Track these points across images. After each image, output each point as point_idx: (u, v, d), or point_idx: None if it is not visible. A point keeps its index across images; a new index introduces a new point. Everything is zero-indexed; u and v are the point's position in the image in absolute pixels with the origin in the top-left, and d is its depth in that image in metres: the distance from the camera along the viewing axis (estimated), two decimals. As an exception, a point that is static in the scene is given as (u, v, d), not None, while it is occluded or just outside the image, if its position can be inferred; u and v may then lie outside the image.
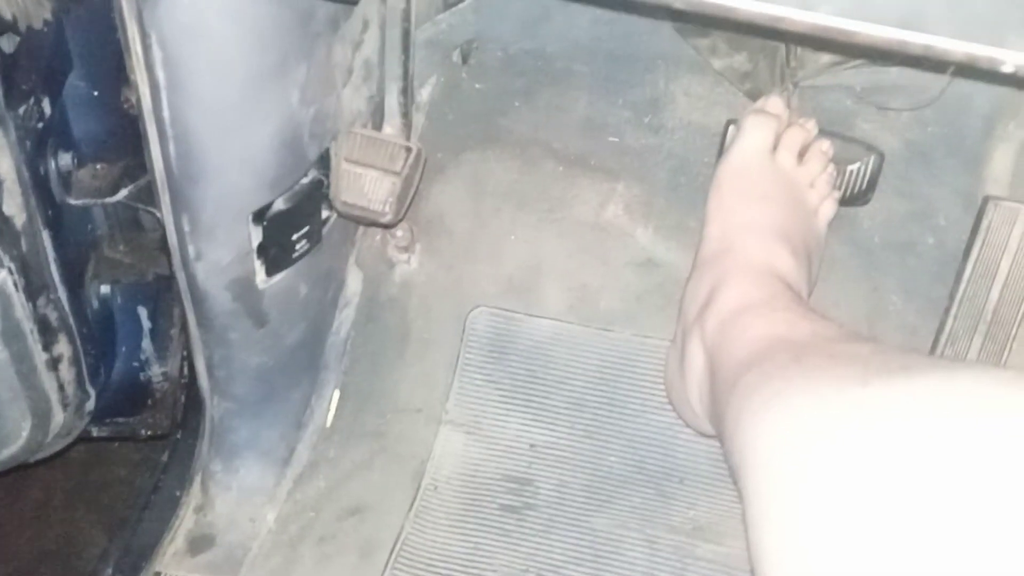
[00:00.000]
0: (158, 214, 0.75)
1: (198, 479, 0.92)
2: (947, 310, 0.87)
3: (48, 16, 0.72)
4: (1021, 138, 0.89)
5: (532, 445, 0.89)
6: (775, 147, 0.82)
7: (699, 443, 0.87)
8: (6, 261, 0.71)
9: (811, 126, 0.84)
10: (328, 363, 0.93)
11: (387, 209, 0.79)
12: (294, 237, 0.79)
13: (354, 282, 0.95)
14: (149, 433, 0.96)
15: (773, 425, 0.57)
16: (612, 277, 0.92)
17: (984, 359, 0.86)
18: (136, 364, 0.92)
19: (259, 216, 0.75)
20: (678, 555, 0.84)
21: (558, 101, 0.94)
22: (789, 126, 0.84)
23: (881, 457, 0.49)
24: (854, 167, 0.86)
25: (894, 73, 0.88)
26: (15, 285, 0.72)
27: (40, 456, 0.85)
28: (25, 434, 0.80)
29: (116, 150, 0.79)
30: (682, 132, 0.93)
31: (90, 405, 0.85)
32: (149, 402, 0.94)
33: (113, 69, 0.73)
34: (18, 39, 0.70)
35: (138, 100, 0.67)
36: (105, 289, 0.87)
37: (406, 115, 0.84)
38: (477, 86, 0.95)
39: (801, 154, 0.83)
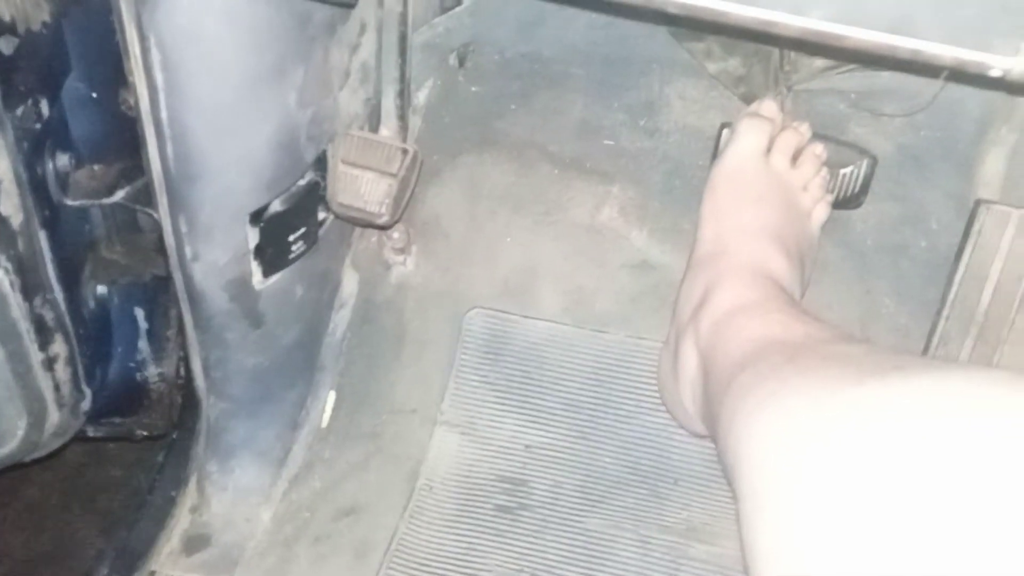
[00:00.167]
0: (155, 215, 0.75)
1: (194, 479, 0.92)
2: (939, 312, 0.88)
3: (47, 18, 0.72)
4: (1013, 142, 0.89)
5: (527, 446, 0.90)
6: (769, 150, 0.83)
7: (692, 444, 0.87)
8: (3, 261, 0.71)
9: (804, 130, 0.85)
10: (324, 364, 0.93)
11: (383, 210, 0.79)
12: (291, 238, 0.80)
13: (350, 283, 0.95)
14: (145, 434, 0.96)
15: (767, 425, 0.58)
16: (607, 279, 0.92)
17: (975, 361, 0.86)
18: (132, 365, 0.92)
19: (256, 217, 0.75)
20: (671, 555, 0.84)
21: (554, 104, 0.94)
22: (783, 130, 0.84)
23: (876, 457, 0.49)
24: (847, 171, 0.87)
25: (887, 78, 0.88)
26: (11, 285, 0.72)
27: (36, 456, 0.85)
28: (21, 433, 0.80)
29: (114, 151, 0.79)
30: (677, 135, 0.93)
31: (86, 405, 0.85)
32: (145, 403, 0.94)
33: (111, 71, 0.73)
34: (17, 41, 0.70)
35: (136, 102, 0.67)
36: (102, 289, 0.87)
37: (403, 117, 0.84)
38: (473, 89, 0.96)
39: (795, 157, 0.84)
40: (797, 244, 0.81)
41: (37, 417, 0.80)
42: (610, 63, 0.93)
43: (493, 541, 0.86)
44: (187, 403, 0.94)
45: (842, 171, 0.86)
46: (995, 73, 0.51)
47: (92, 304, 0.86)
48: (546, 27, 0.93)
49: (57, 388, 0.80)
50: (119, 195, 0.80)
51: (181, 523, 0.91)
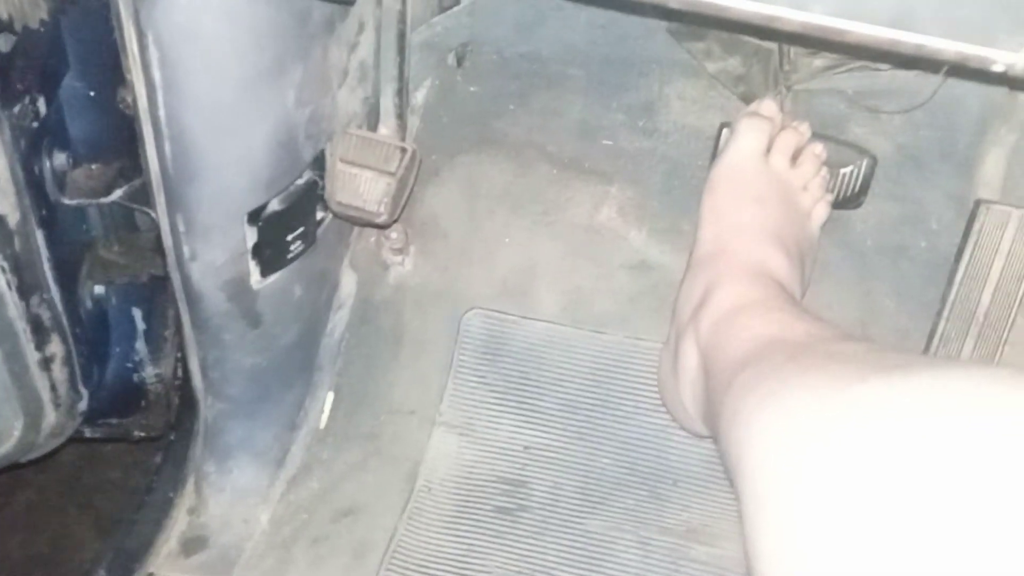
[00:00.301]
0: (153, 214, 0.75)
1: (191, 480, 0.92)
2: (939, 313, 0.88)
3: (44, 16, 0.72)
4: (1012, 142, 0.90)
5: (525, 447, 0.89)
6: (768, 150, 0.83)
7: (692, 445, 0.87)
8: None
9: (804, 129, 0.85)
10: (322, 364, 0.93)
11: (382, 209, 0.79)
12: (289, 238, 0.79)
13: (348, 284, 0.95)
14: (142, 434, 0.96)
15: (769, 425, 0.57)
16: (606, 279, 0.92)
17: (976, 361, 0.86)
18: (130, 365, 0.92)
19: (254, 217, 0.75)
20: (671, 557, 0.84)
21: (553, 104, 0.94)
22: (782, 129, 0.84)
23: (877, 456, 0.49)
24: (847, 170, 0.87)
25: (886, 77, 0.88)
26: (8, 284, 0.72)
27: (32, 456, 0.85)
28: (17, 433, 0.79)
29: (111, 150, 0.79)
30: (676, 135, 0.93)
31: (82, 405, 0.85)
32: (142, 403, 0.94)
33: (109, 69, 0.73)
34: (14, 39, 0.70)
35: (134, 100, 0.67)
36: (99, 289, 0.87)
37: (401, 116, 0.84)
38: (472, 89, 0.95)
39: (794, 157, 0.84)
40: (797, 244, 0.81)
41: (33, 418, 0.80)
42: (609, 63, 0.93)
43: (492, 542, 0.86)
44: (185, 404, 0.93)
45: (842, 171, 0.86)
46: (998, 68, 0.51)
47: (89, 304, 0.86)
48: (545, 27, 0.93)
49: (54, 388, 0.80)
50: (117, 194, 0.80)
51: (179, 524, 0.91)
